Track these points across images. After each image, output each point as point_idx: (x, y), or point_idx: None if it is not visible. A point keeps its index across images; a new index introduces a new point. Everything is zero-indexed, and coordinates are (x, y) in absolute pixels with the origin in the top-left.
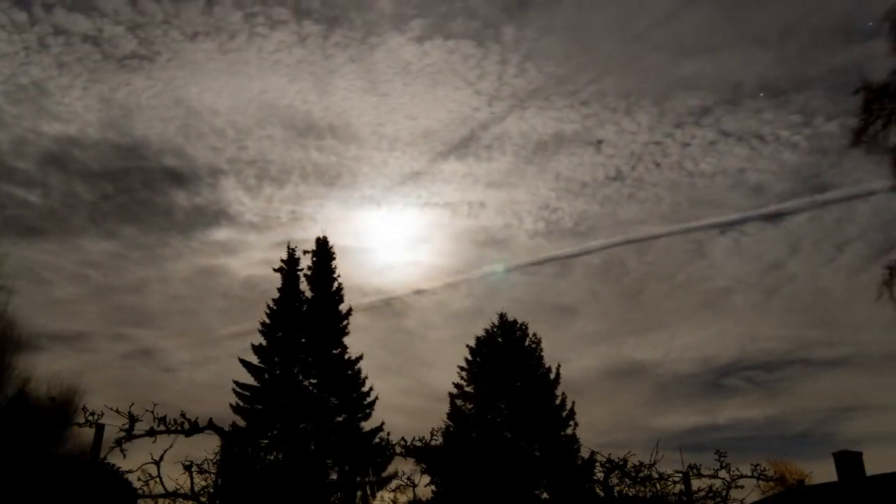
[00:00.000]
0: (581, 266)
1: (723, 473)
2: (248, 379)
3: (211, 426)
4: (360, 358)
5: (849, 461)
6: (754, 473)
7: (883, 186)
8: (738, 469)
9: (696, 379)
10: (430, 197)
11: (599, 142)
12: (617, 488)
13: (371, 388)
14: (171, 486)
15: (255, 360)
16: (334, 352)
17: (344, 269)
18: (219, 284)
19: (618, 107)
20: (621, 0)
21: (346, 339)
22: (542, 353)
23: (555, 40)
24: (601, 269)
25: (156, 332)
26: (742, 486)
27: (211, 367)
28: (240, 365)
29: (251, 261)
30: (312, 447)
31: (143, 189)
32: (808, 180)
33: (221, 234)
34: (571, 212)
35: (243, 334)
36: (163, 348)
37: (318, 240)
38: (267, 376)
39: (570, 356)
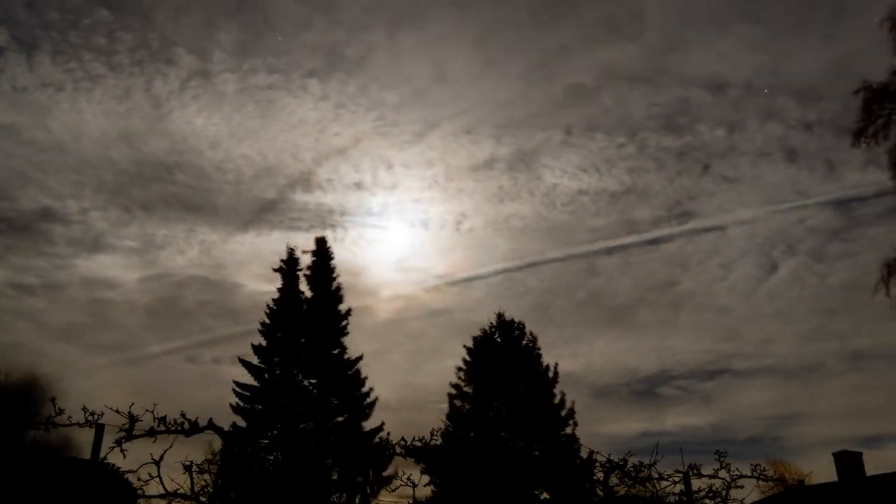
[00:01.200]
0: (481, 286)
1: (723, 473)
2: (248, 379)
3: (211, 426)
4: (359, 358)
5: (849, 461)
6: (754, 473)
7: (749, 217)
8: (738, 469)
9: (627, 388)
10: (291, 222)
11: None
12: (617, 488)
13: (371, 389)
14: (171, 486)
15: (255, 359)
16: (334, 352)
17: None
18: (115, 304)
19: (448, 147)
20: (432, 53)
21: (345, 340)
22: (541, 353)
23: (366, 90)
24: (502, 288)
25: (75, 347)
26: (742, 486)
27: (140, 380)
28: (239, 364)
29: (137, 284)
30: (312, 447)
31: (18, 218)
32: (671, 209)
33: (105, 259)
34: (431, 238)
35: (166, 353)
36: (90, 364)
37: (317, 239)
38: (267, 376)
39: None
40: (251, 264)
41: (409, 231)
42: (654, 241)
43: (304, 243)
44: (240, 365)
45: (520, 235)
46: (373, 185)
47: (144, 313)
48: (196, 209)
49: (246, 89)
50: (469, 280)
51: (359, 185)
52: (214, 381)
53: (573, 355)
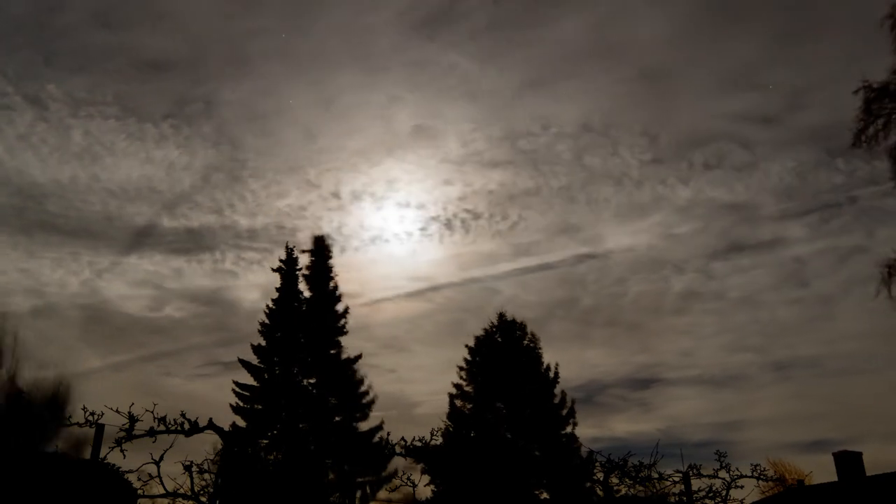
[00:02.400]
0: (389, 306)
1: (723, 473)
2: (248, 379)
3: (211, 426)
4: (358, 357)
5: (849, 461)
6: (754, 473)
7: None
8: (738, 469)
9: None
10: (169, 244)
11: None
12: (617, 488)
13: (370, 388)
14: (171, 486)
15: (254, 360)
16: (332, 352)
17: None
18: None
19: (297, 182)
20: (276, 98)
21: (342, 339)
22: (541, 353)
23: (209, 133)
24: (410, 306)
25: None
26: (742, 486)
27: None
28: (239, 365)
29: (34, 308)
30: (312, 447)
31: None
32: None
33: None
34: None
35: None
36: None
37: (315, 238)
38: (266, 376)
39: (420, 386)
40: (141, 285)
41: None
42: (547, 266)
43: (195, 270)
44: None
45: (389, 262)
46: (232, 213)
47: (63, 332)
48: (74, 234)
49: (90, 132)
50: (377, 302)
51: (219, 214)
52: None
53: None
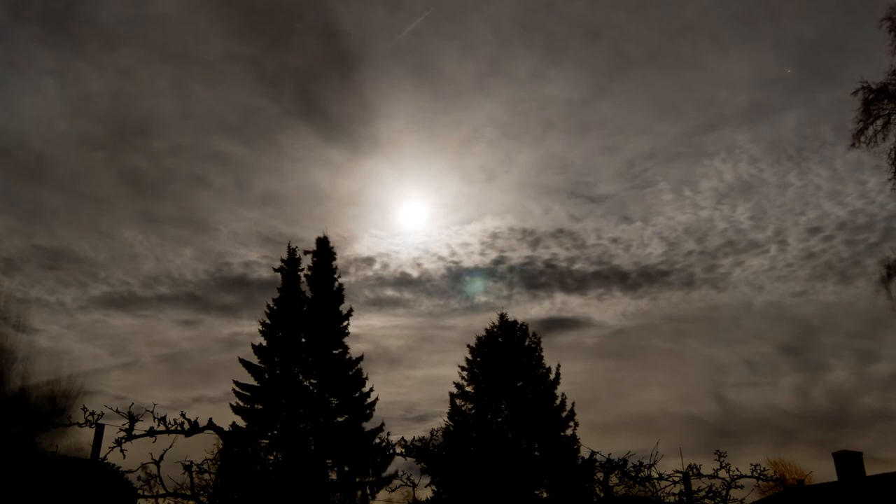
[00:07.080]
0: None
1: (722, 473)
2: (249, 379)
3: (211, 426)
4: (360, 358)
5: (849, 461)
6: (754, 473)
7: None
8: (737, 469)
9: None
10: None
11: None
12: (617, 489)
13: (371, 389)
14: (171, 486)
15: (255, 360)
16: (335, 352)
17: None
18: None
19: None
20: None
21: (345, 340)
22: (543, 354)
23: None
24: None
25: None
26: (742, 486)
27: None
28: (240, 365)
29: None
30: (312, 447)
31: None
32: None
33: None
34: None
35: None
36: None
37: (318, 240)
38: (267, 376)
39: None
40: None
41: None
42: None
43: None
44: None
45: None
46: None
47: None
48: None
49: None
50: None
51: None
52: None
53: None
